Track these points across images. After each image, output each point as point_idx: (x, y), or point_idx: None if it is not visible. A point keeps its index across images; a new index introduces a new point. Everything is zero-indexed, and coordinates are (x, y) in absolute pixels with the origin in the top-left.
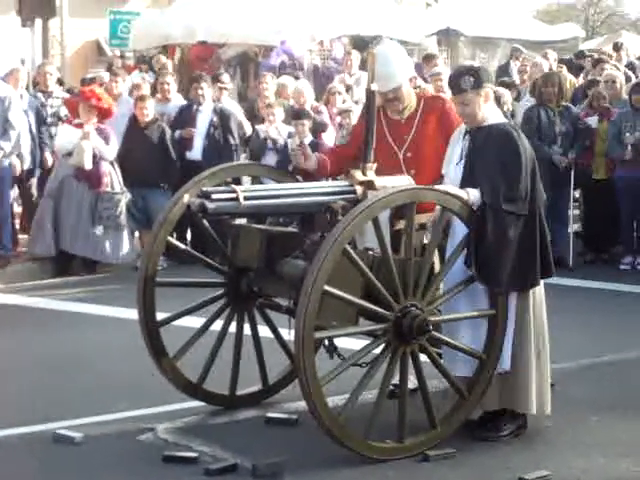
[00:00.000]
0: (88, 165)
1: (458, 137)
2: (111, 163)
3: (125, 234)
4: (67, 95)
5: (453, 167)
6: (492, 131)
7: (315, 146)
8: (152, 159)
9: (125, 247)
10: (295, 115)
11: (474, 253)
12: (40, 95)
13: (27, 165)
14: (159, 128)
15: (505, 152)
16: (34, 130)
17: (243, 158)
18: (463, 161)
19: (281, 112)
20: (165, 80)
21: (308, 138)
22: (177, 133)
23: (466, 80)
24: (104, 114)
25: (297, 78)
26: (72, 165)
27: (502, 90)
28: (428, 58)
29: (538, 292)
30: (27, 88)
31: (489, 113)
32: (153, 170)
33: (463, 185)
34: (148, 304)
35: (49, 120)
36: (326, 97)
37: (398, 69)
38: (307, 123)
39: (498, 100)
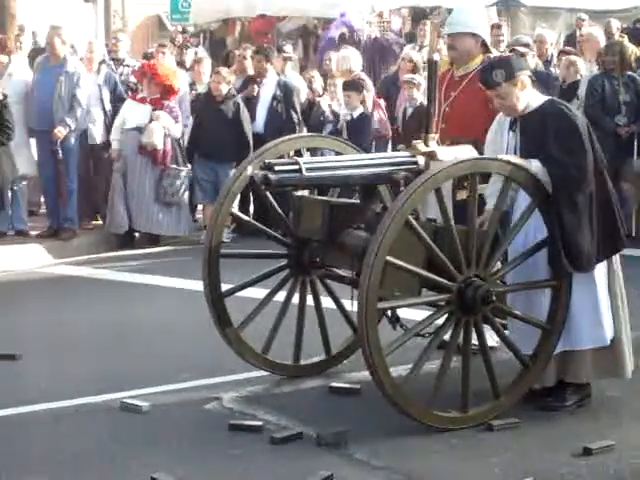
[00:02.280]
0: (160, 145)
1: (499, 129)
2: (176, 139)
3: (186, 208)
4: (138, 64)
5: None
6: (542, 113)
7: (363, 118)
8: (226, 134)
9: (185, 221)
10: (344, 86)
11: (560, 243)
12: (111, 63)
13: (100, 139)
14: (235, 104)
15: (561, 129)
16: (108, 105)
17: (304, 131)
18: (518, 151)
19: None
20: (244, 54)
21: (358, 110)
22: (239, 96)
23: (497, 74)
24: (168, 91)
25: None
26: (136, 141)
27: (574, 58)
28: (492, 28)
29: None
30: (103, 62)
31: (530, 99)
32: (226, 145)
33: None
34: (213, 275)
35: (119, 89)
36: (398, 64)
37: (465, 19)
38: (354, 94)
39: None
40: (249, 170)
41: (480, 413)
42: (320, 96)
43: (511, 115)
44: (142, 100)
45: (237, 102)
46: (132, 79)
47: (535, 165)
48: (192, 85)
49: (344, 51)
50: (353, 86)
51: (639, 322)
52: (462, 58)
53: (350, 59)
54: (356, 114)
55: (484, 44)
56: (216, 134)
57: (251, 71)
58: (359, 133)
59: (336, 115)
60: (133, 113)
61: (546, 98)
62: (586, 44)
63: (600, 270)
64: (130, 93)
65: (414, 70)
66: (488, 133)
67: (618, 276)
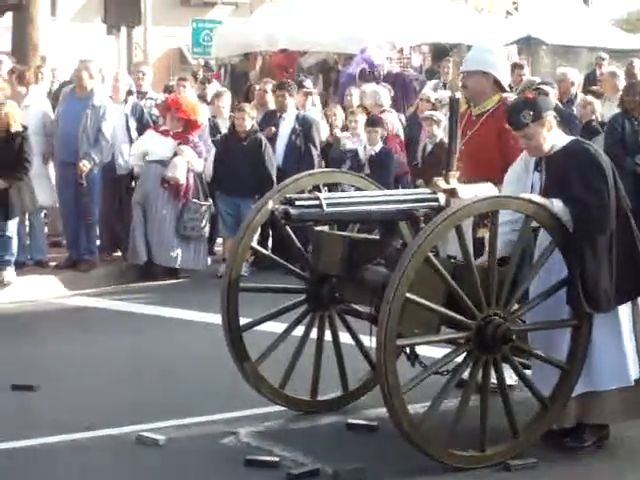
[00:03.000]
0: (182, 180)
1: (524, 168)
2: (198, 174)
3: (205, 243)
4: (161, 97)
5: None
6: (567, 152)
7: (386, 154)
8: (248, 169)
9: (203, 255)
10: (369, 122)
11: (581, 289)
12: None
13: (125, 170)
14: (257, 139)
15: (586, 169)
16: (135, 134)
17: (322, 166)
18: (542, 189)
19: (363, 120)
20: (265, 88)
21: (378, 145)
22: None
23: (525, 115)
24: (191, 125)
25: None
26: (159, 174)
27: (591, 98)
28: (514, 68)
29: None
30: (130, 92)
31: (555, 139)
32: (249, 180)
33: None
34: (232, 308)
35: (146, 118)
36: (416, 104)
37: (478, 57)
38: (380, 131)
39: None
40: (270, 204)
41: (498, 453)
42: (341, 131)
43: (537, 155)
44: (165, 133)
45: (260, 138)
46: (154, 111)
47: (557, 204)
48: (212, 119)
49: (374, 86)
50: (376, 122)
51: None
52: (475, 97)
53: (380, 94)
54: (377, 149)
55: (499, 83)
56: (239, 170)
57: (272, 105)
58: (382, 169)
59: (353, 151)
60: (156, 145)
61: (571, 138)
62: (606, 83)
63: (624, 310)
64: (153, 125)
65: (433, 109)
66: (509, 171)
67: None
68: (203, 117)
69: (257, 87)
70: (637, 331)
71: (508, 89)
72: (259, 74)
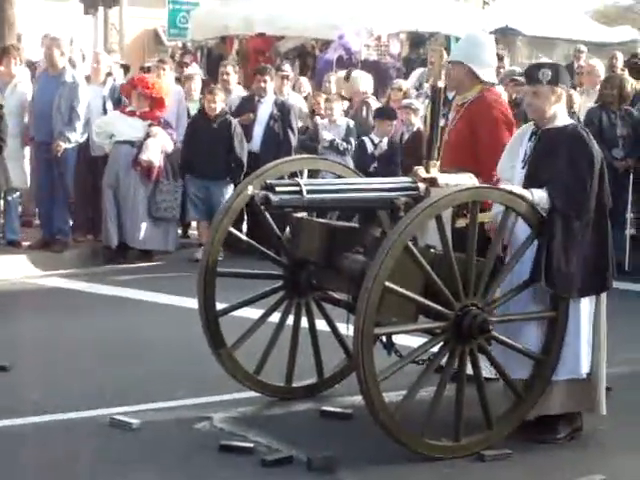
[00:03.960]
0: (157, 162)
1: (520, 139)
2: (167, 154)
3: (174, 224)
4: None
5: (518, 170)
6: (562, 133)
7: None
8: (218, 152)
9: (173, 237)
10: (377, 113)
11: (544, 263)
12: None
13: (101, 152)
14: (227, 121)
15: (577, 155)
16: None
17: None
18: (527, 162)
19: (340, 107)
20: (226, 70)
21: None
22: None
23: (544, 73)
24: (157, 104)
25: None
26: (129, 155)
27: (571, 91)
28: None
29: (604, 295)
30: (109, 74)
31: (558, 114)
32: (219, 164)
33: (526, 186)
34: (208, 293)
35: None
36: (388, 93)
37: (460, 47)
38: (387, 122)
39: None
40: (250, 189)
41: (472, 443)
42: (319, 116)
43: (535, 119)
44: (131, 114)
45: (229, 120)
46: None
47: (537, 195)
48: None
49: (358, 72)
50: (386, 113)
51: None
52: (457, 87)
53: (361, 80)
54: (386, 142)
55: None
56: (209, 153)
57: (236, 87)
58: (391, 164)
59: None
60: (124, 126)
61: (572, 121)
62: (587, 76)
63: (585, 304)
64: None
65: (404, 98)
66: (507, 145)
67: (603, 314)
68: (169, 97)
69: (220, 70)
70: (597, 328)
71: (489, 82)
72: (236, 58)
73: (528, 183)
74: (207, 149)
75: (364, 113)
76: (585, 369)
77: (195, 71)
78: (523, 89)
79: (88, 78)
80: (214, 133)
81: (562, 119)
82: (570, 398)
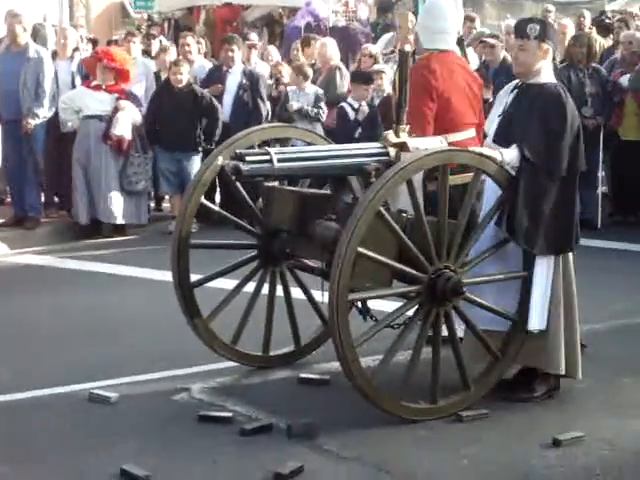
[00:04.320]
0: (128, 135)
1: (505, 94)
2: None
3: (145, 197)
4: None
5: (495, 122)
6: (542, 90)
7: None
8: (187, 124)
9: (145, 210)
10: (353, 77)
11: (508, 212)
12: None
13: (70, 128)
14: (193, 92)
15: (551, 111)
16: None
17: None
18: (504, 114)
19: (310, 73)
20: (186, 41)
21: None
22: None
23: (532, 28)
24: (121, 75)
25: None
26: (99, 130)
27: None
28: (465, 20)
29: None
30: (77, 49)
31: (543, 70)
32: (188, 135)
33: (497, 137)
34: (182, 265)
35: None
36: (358, 58)
37: (420, 18)
38: (363, 86)
39: None
40: (220, 160)
41: (449, 404)
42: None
43: (520, 73)
44: (97, 88)
45: (195, 89)
46: None
47: (507, 155)
48: (157, 73)
49: (324, 39)
50: (363, 77)
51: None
52: (419, 54)
53: (328, 46)
54: (366, 106)
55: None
56: (177, 125)
57: (198, 57)
58: (374, 127)
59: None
60: (92, 101)
61: (554, 81)
62: (560, 36)
63: (543, 263)
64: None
65: (375, 64)
66: (496, 100)
67: (570, 273)
68: (134, 69)
69: (180, 42)
70: (555, 287)
71: (435, 49)
72: (204, 28)
73: (501, 133)
74: (174, 121)
75: (338, 79)
76: (537, 325)
77: (168, 43)
78: (510, 43)
79: (56, 53)
80: (180, 105)
81: (546, 76)
82: (523, 352)
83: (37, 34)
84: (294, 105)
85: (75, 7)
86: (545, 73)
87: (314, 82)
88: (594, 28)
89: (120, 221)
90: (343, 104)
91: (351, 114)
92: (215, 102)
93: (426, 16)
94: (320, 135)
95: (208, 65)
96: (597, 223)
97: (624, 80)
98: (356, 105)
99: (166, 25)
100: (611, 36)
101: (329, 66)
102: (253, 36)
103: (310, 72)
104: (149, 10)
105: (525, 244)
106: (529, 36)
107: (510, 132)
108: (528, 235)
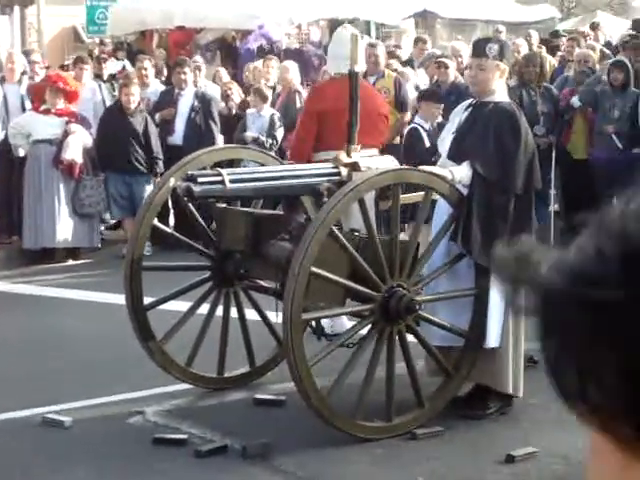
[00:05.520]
0: (79, 159)
1: (458, 112)
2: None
3: (97, 220)
4: None
5: (449, 139)
6: (496, 108)
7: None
8: (136, 146)
9: (97, 232)
10: (434, 96)
11: (463, 227)
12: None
13: (22, 152)
14: (142, 115)
15: (506, 129)
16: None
17: (222, 142)
18: (457, 130)
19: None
20: (143, 65)
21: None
22: (157, 116)
23: (492, 48)
24: (70, 97)
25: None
26: (49, 154)
27: None
28: (417, 41)
29: None
30: (24, 73)
31: (498, 89)
32: (139, 159)
33: (450, 153)
34: (135, 288)
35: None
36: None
37: None
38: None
39: None
40: (171, 182)
41: (404, 422)
42: (239, 109)
43: (477, 90)
44: (46, 112)
45: (144, 113)
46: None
47: (457, 174)
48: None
49: (285, 62)
50: (436, 96)
51: None
52: None
53: (290, 70)
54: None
55: None
56: (127, 148)
57: (154, 80)
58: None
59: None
60: (41, 125)
61: (508, 100)
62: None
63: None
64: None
65: None
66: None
67: None
68: (81, 92)
69: (137, 65)
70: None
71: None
72: (163, 52)
73: (454, 150)
74: (124, 144)
75: (297, 102)
76: (493, 343)
77: (118, 68)
78: (469, 62)
79: (4, 78)
80: (130, 127)
81: (500, 95)
82: (485, 371)
83: None
84: (249, 137)
85: (27, 32)
86: (499, 92)
87: (273, 104)
88: (543, 47)
89: (73, 245)
90: (415, 125)
91: (426, 139)
92: (150, 128)
93: (332, 45)
94: (272, 155)
95: (161, 88)
96: (550, 240)
97: (575, 100)
98: (427, 126)
99: (120, 49)
100: (559, 54)
101: (289, 89)
102: (198, 58)
103: (269, 95)
104: (102, 34)
105: (479, 259)
106: (488, 56)
107: (463, 149)
108: (483, 250)
